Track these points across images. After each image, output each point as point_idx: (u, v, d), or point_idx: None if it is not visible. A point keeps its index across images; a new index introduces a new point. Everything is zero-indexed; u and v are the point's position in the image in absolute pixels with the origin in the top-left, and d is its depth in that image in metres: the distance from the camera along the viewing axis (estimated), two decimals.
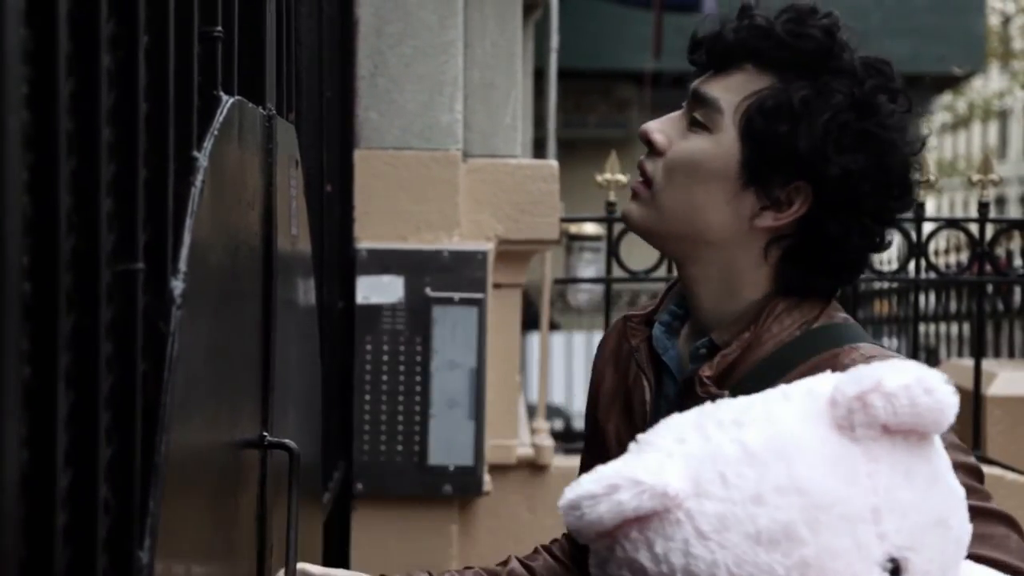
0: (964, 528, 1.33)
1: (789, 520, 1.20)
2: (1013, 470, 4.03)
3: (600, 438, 1.84)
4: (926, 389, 1.25)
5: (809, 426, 1.26)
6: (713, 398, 1.43)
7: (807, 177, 1.65)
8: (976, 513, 1.44)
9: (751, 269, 1.70)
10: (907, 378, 1.25)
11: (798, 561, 1.20)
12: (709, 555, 1.20)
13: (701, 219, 1.69)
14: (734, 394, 1.41)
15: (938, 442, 1.32)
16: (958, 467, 1.45)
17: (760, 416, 1.27)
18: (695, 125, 1.70)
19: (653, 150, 1.73)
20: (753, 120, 1.65)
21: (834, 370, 1.36)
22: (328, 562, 2.87)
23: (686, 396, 1.66)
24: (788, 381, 1.37)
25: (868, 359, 1.58)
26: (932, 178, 4.05)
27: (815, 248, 1.68)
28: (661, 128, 1.73)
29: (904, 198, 1.70)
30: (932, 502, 1.29)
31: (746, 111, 1.66)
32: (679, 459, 1.24)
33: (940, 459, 1.32)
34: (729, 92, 1.68)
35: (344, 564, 3.53)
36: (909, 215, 4.18)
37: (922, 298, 5.35)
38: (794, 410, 1.28)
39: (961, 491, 1.33)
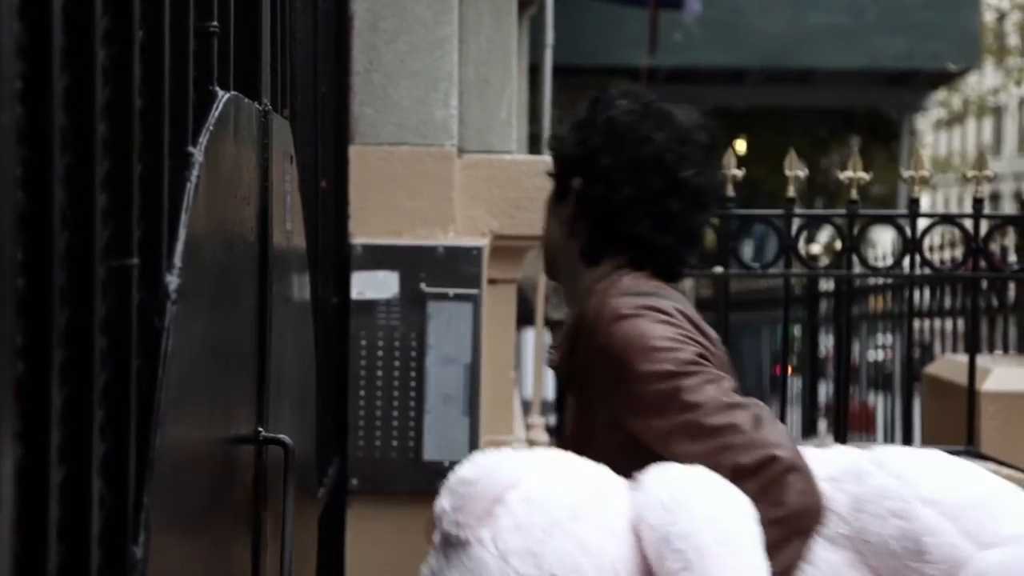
0: (587, 510, 1.88)
1: None
2: (1007, 465, 4.03)
3: None
4: (462, 482, 1.89)
5: (442, 559, 1.91)
6: (551, 360, 2.44)
7: (573, 171, 2.33)
8: (667, 411, 2.05)
9: (577, 260, 2.33)
10: (452, 487, 1.91)
11: None
12: None
13: (548, 238, 2.43)
14: (575, 351, 2.23)
15: (519, 488, 1.89)
16: (642, 380, 2.07)
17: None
18: None
19: None
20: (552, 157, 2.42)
21: (593, 323, 2.17)
22: (322, 558, 2.87)
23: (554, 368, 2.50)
24: (587, 338, 2.18)
25: (610, 307, 2.18)
26: (927, 174, 4.06)
27: (596, 214, 2.30)
28: None
29: (663, 168, 2.26)
30: (540, 523, 1.84)
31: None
32: None
33: (528, 490, 1.87)
34: None
35: (339, 560, 3.53)
36: (904, 211, 4.18)
37: (917, 294, 5.36)
38: (435, 560, 1.95)
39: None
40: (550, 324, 2.39)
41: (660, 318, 2.13)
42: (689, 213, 2.30)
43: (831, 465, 2.02)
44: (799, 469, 1.98)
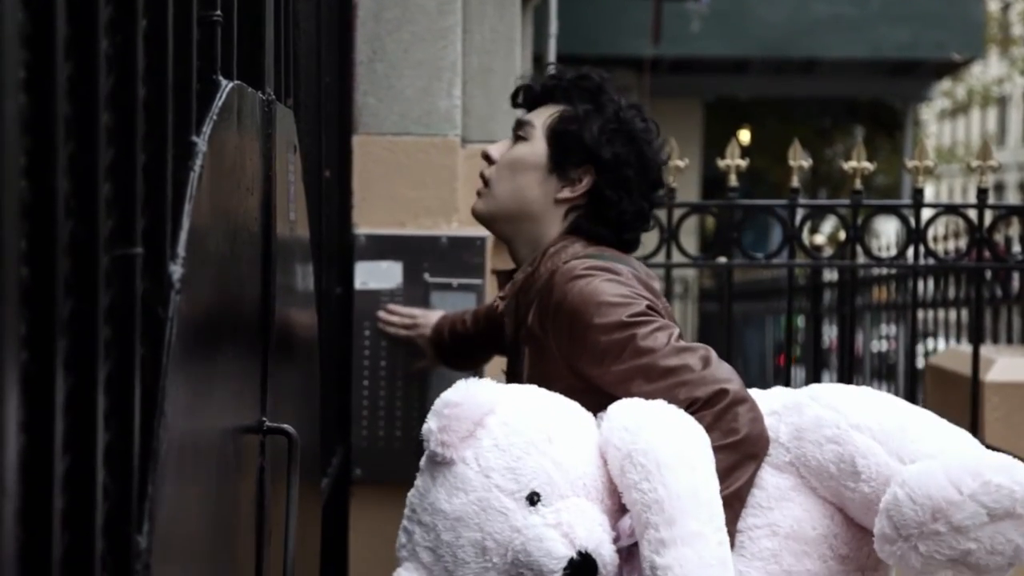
0: (560, 433, 2.09)
1: (466, 541, 2.06)
2: (1012, 456, 4.03)
3: None
4: (447, 404, 2.07)
5: (428, 479, 2.10)
6: (496, 306, 2.59)
7: (591, 161, 2.48)
8: (624, 357, 2.25)
9: (555, 232, 2.51)
10: (438, 409, 2.08)
11: (475, 540, 2.04)
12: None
13: (522, 199, 2.51)
14: (528, 308, 2.42)
15: (498, 413, 2.10)
16: (599, 332, 2.26)
17: (416, 495, 2.14)
18: (517, 139, 2.54)
19: (490, 161, 2.56)
20: (554, 126, 2.51)
21: (551, 281, 2.37)
22: (326, 548, 2.88)
23: (498, 316, 2.64)
24: (542, 295, 2.38)
25: (567, 268, 2.37)
26: (931, 164, 4.05)
27: (598, 213, 2.49)
28: (495, 147, 2.59)
29: (659, 186, 2.58)
30: (518, 444, 2.06)
31: (550, 122, 2.51)
32: None
33: (506, 415, 2.09)
34: (539, 116, 2.54)
35: (342, 550, 3.54)
36: (908, 201, 4.18)
37: (921, 284, 5.35)
38: (422, 480, 2.12)
39: (535, 425, 2.09)
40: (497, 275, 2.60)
41: (611, 277, 2.35)
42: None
43: (773, 401, 2.26)
44: (747, 400, 2.20)
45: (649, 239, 4.03)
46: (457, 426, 2.06)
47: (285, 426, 1.81)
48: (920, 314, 5.04)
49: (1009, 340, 5.44)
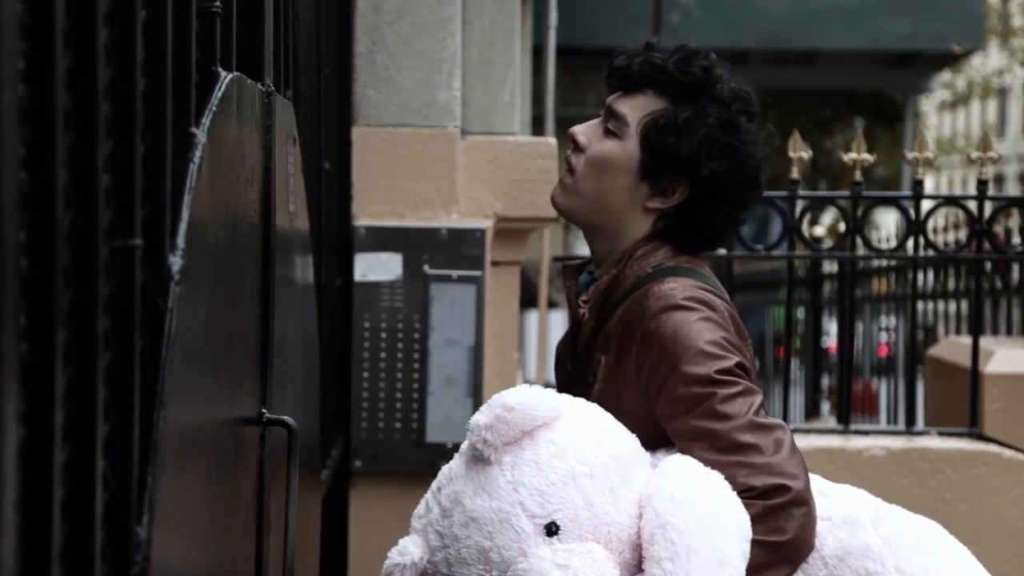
0: (605, 472, 1.98)
1: (473, 544, 1.97)
2: (1010, 447, 4.04)
3: None
4: (503, 406, 1.94)
5: (463, 465, 2.01)
6: (581, 314, 2.29)
7: (686, 175, 2.25)
8: (697, 413, 2.09)
9: (639, 235, 2.29)
10: (492, 406, 1.95)
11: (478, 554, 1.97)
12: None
13: (608, 202, 2.29)
14: (610, 313, 2.23)
15: (551, 429, 1.99)
16: (681, 379, 2.11)
17: (446, 474, 2.06)
18: (608, 133, 2.30)
19: (577, 147, 2.32)
20: (650, 132, 2.25)
21: (643, 298, 2.18)
22: (326, 539, 2.88)
23: (576, 320, 2.36)
24: (628, 306, 2.20)
25: (665, 289, 2.18)
26: (931, 156, 4.05)
27: (689, 225, 2.29)
28: (584, 131, 2.32)
29: (756, 191, 2.33)
30: (559, 469, 1.96)
31: (645, 125, 2.26)
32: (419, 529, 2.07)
33: (558, 434, 1.98)
34: (634, 110, 2.27)
35: (342, 541, 3.54)
36: (908, 192, 4.18)
37: (920, 276, 5.35)
38: (457, 463, 2.03)
39: (593, 452, 1.99)
40: (563, 268, 2.31)
41: (709, 315, 2.18)
42: None
43: (833, 507, 2.13)
44: (804, 503, 2.07)
45: None
46: (504, 430, 1.96)
47: (285, 418, 1.81)
48: (920, 306, 5.04)
49: (1009, 332, 5.44)
